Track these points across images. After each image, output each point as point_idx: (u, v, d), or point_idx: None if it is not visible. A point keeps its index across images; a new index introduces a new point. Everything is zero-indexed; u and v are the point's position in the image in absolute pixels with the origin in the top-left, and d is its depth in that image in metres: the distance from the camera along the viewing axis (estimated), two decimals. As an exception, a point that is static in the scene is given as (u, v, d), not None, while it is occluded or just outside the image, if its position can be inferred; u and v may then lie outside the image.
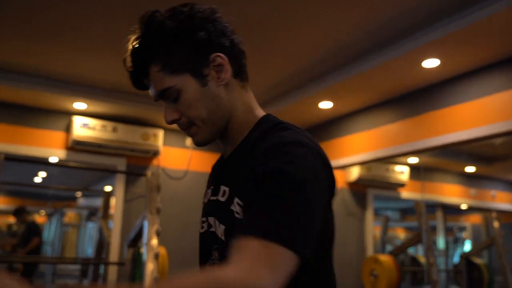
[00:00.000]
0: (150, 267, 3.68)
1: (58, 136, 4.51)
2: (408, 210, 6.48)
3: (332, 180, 0.91)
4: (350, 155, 4.34)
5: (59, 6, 2.80)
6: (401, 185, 5.98)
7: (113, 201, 4.76)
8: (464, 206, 5.37)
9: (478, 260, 4.88)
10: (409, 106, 3.88)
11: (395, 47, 3.16)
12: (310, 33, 3.09)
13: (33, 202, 6.43)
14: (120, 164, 4.74)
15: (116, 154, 4.69)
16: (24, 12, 2.87)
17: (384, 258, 4.65)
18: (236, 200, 0.89)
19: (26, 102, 4.28)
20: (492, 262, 4.84)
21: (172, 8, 0.94)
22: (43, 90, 3.94)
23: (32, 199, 6.54)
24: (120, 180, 4.75)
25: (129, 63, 0.93)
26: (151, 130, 4.70)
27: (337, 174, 5.47)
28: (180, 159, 5.09)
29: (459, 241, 5.44)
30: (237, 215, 0.87)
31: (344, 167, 4.90)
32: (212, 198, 0.99)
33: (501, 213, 4.80)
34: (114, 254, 4.56)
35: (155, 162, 4.93)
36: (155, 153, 4.79)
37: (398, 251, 4.79)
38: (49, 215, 6.28)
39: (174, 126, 0.99)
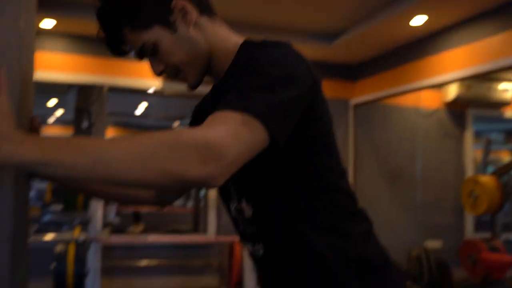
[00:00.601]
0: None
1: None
2: (513, 132, 6.07)
3: (311, 70, 0.92)
4: (447, 72, 4.10)
5: None
6: (505, 104, 5.58)
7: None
8: None
9: None
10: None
11: None
12: None
13: (136, 132, 6.98)
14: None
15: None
16: None
17: (485, 178, 4.47)
18: None
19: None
20: None
21: None
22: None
23: (134, 129, 7.10)
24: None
25: (103, 34, 0.97)
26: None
27: (433, 93, 5.22)
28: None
29: None
30: None
31: (440, 86, 4.65)
32: None
33: None
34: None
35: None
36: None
37: (502, 172, 4.55)
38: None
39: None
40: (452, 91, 5.04)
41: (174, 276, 4.78)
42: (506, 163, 5.05)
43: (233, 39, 1.02)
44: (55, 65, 4.44)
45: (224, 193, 1.05)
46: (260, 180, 0.95)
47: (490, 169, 5.56)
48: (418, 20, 3.95)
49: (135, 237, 4.15)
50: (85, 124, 4.69)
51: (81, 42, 4.51)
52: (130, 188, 1.09)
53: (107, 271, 4.44)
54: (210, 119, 0.77)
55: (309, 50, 4.84)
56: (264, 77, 0.82)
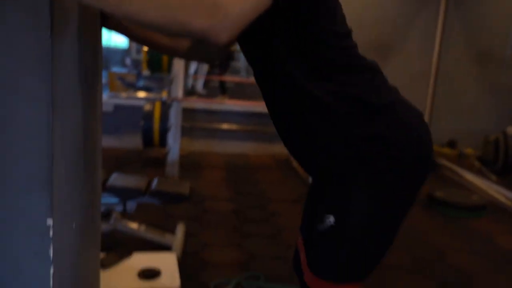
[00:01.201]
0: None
1: None
2: None
3: None
4: None
5: None
6: None
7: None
8: None
9: None
10: None
11: None
12: None
13: None
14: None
15: None
16: None
17: None
18: None
19: None
20: None
21: None
22: None
23: None
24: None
25: None
26: None
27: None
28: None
29: None
30: None
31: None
32: None
33: None
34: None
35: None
36: None
37: None
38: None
39: None
40: None
41: (249, 141, 5.12)
42: None
43: None
44: None
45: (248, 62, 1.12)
46: (265, 43, 1.00)
47: None
48: None
49: (213, 100, 4.42)
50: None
51: None
52: (161, 37, 1.19)
53: (189, 132, 4.86)
54: None
55: None
56: None
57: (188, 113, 4.79)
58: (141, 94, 5.09)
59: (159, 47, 1.25)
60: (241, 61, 8.16)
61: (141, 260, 1.84)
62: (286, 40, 0.97)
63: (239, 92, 6.62)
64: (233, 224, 3.01)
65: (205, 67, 6.66)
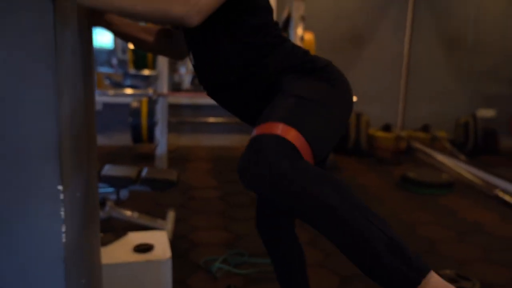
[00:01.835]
0: (296, 49, 4.12)
1: None
2: None
3: None
4: None
5: None
6: None
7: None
8: None
9: None
10: None
11: None
12: None
13: None
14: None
15: None
16: None
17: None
18: None
19: None
20: None
21: None
22: None
23: None
24: (272, -29, 5.00)
25: None
26: None
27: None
28: None
29: None
30: None
31: None
32: None
33: None
34: (270, 42, 5.11)
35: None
36: None
37: None
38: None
39: None
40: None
41: (234, 134, 5.34)
42: None
43: None
44: None
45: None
46: (205, 33, 1.27)
47: None
48: None
49: (198, 94, 4.63)
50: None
51: None
52: (141, 33, 1.44)
53: (176, 128, 5.07)
54: None
55: None
56: None
57: (175, 109, 5.00)
58: (128, 91, 5.28)
59: (140, 42, 1.49)
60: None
61: (135, 238, 2.05)
62: (229, 27, 1.26)
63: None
64: (219, 209, 3.24)
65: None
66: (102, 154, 4.44)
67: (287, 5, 4.38)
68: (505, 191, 3.53)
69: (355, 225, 0.99)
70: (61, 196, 1.06)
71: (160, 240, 2.04)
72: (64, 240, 1.10)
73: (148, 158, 4.45)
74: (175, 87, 5.62)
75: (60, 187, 1.06)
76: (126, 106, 4.75)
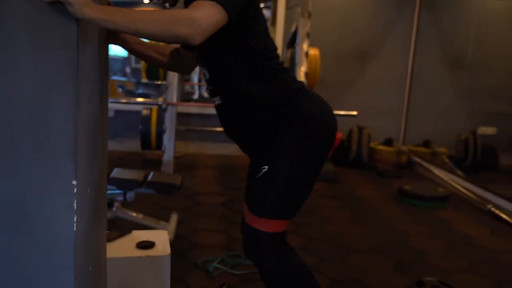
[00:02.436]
0: (301, 64, 4.30)
1: None
2: None
3: None
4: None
5: None
6: None
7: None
8: None
9: None
10: None
11: None
12: None
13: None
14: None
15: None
16: None
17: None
18: None
19: None
20: None
21: None
22: None
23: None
24: (281, -12, 5.20)
25: None
26: None
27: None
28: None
29: None
30: None
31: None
32: None
33: None
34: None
35: (313, -30, 5.17)
36: (313, -39, 5.00)
37: None
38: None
39: None
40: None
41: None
42: None
43: None
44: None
45: (199, 64, 1.60)
46: (212, 52, 1.47)
47: None
48: None
49: (206, 104, 4.81)
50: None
51: None
52: (152, 51, 1.62)
53: (184, 135, 5.25)
54: (193, 4, 1.29)
55: None
56: None
57: (184, 117, 5.19)
58: (140, 99, 5.49)
59: (151, 59, 1.67)
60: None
61: (138, 236, 2.22)
62: (231, 48, 1.45)
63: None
64: (221, 213, 3.40)
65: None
66: (112, 158, 4.64)
67: (295, 21, 4.56)
68: (497, 207, 3.65)
69: None
70: (75, 190, 1.24)
71: (161, 239, 2.20)
72: (75, 228, 1.27)
73: (156, 164, 4.63)
74: (186, 97, 5.83)
75: (74, 182, 1.23)
76: (137, 113, 4.95)
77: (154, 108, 4.69)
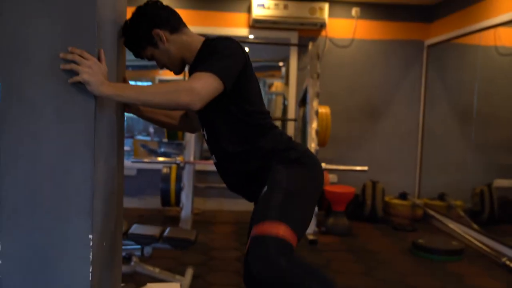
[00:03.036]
0: (312, 122, 4.50)
1: (241, 16, 5.41)
2: None
3: (244, 52, 1.62)
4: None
5: None
6: None
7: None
8: None
9: None
10: None
11: None
12: None
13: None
14: (293, 37, 5.46)
15: (289, 29, 5.41)
16: None
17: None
18: None
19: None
20: None
21: (135, 13, 1.69)
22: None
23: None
24: (294, 51, 5.51)
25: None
26: (317, 4, 5.20)
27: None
28: (346, 28, 5.53)
29: None
30: None
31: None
32: None
33: None
34: (291, 113, 5.54)
35: (323, 33, 5.49)
36: (322, 25, 5.33)
37: None
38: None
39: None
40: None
41: (257, 198, 5.62)
42: None
43: (196, 40, 1.70)
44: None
45: (201, 126, 1.81)
46: (211, 116, 1.69)
47: None
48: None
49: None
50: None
51: (178, -1, 5.30)
52: (161, 116, 1.84)
53: (203, 192, 5.43)
54: (193, 76, 1.52)
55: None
56: (219, 54, 1.55)
57: (202, 174, 5.38)
58: (161, 159, 5.74)
59: (161, 123, 1.90)
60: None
61: (153, 288, 2.35)
62: (225, 113, 1.66)
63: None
64: (236, 268, 3.49)
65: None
66: (133, 215, 4.82)
67: (307, 77, 4.80)
68: (512, 260, 3.63)
69: None
70: (91, 243, 1.40)
71: (174, 291, 2.33)
72: (90, 278, 1.42)
73: (176, 220, 4.78)
74: (205, 155, 6.05)
75: (90, 236, 1.40)
76: (159, 171, 5.18)
77: (174, 166, 4.91)
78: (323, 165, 4.54)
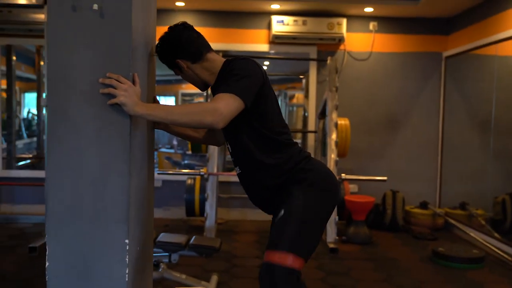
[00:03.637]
0: (332, 133, 4.62)
1: (262, 33, 5.60)
2: None
3: (261, 71, 1.78)
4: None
5: None
6: None
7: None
8: None
9: None
10: None
11: None
12: None
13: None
14: (312, 51, 5.61)
15: (308, 44, 5.56)
16: None
17: None
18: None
19: (235, 8, 5.43)
20: None
21: (161, 39, 1.87)
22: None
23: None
24: (313, 65, 5.66)
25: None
26: (335, 20, 5.35)
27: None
28: (364, 42, 5.65)
29: None
30: None
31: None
32: None
33: None
34: (311, 125, 5.67)
35: (341, 47, 5.63)
36: (341, 40, 5.47)
37: None
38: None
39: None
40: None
41: (279, 208, 5.75)
42: None
43: (218, 62, 1.86)
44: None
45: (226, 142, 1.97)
46: (234, 132, 1.84)
47: None
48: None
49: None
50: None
51: (201, 16, 5.52)
52: (188, 131, 2.02)
53: (226, 203, 5.59)
54: (215, 97, 1.68)
55: (398, 9, 5.23)
56: (238, 75, 1.70)
57: (226, 185, 5.55)
58: (185, 170, 5.94)
59: (188, 137, 2.08)
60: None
61: (180, 293, 2.51)
62: (247, 128, 1.81)
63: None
64: (257, 275, 3.60)
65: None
66: (159, 225, 5.01)
67: (326, 90, 4.93)
68: (532, 267, 3.66)
69: None
70: (127, 247, 1.57)
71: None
72: (127, 279, 1.59)
73: (200, 230, 4.94)
74: (228, 166, 6.23)
75: (126, 241, 1.57)
76: (183, 183, 5.36)
77: (198, 177, 5.09)
78: (343, 175, 4.67)
